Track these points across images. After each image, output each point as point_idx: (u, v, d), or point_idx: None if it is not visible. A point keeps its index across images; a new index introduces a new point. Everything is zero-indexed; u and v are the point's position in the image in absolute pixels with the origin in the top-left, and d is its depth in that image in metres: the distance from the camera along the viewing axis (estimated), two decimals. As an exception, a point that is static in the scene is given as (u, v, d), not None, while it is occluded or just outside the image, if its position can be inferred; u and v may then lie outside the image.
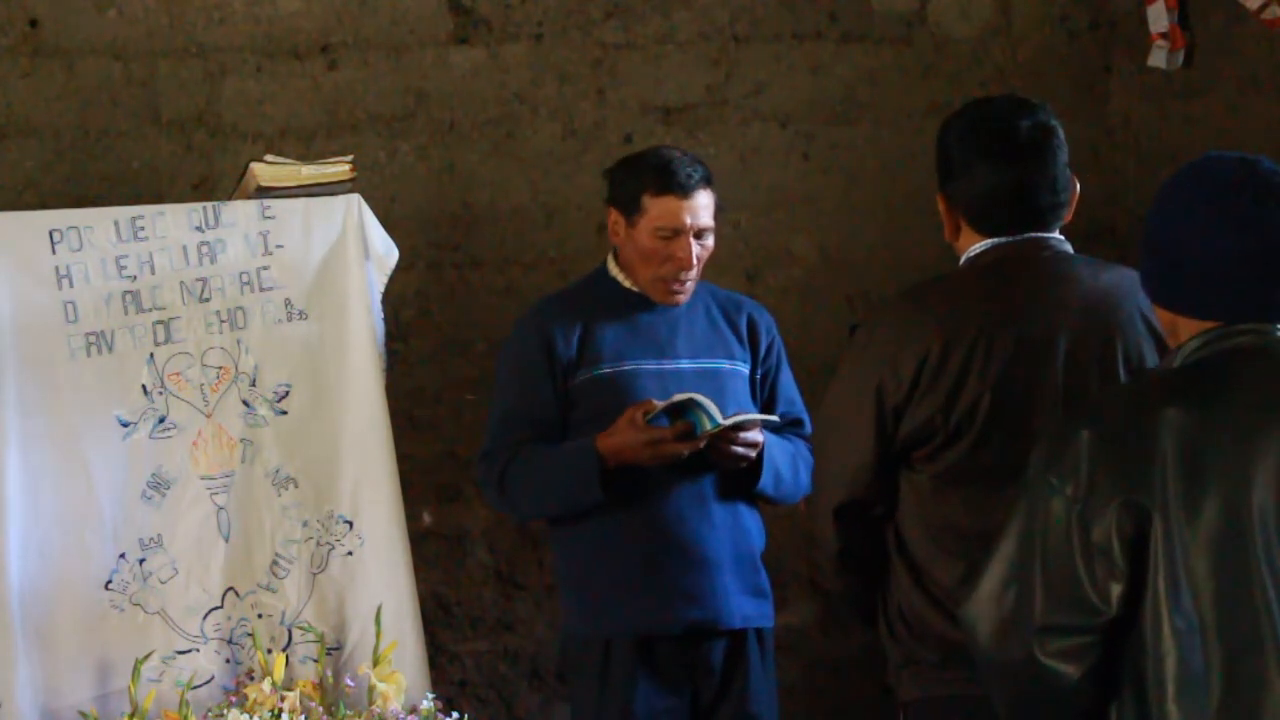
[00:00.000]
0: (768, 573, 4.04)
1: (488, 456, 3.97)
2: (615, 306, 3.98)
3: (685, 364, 3.95)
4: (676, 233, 3.89)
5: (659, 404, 3.78)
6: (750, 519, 4.00)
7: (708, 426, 3.77)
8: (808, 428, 4.08)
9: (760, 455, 3.88)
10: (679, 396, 3.77)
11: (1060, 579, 2.50)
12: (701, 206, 3.91)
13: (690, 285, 3.96)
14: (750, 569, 3.97)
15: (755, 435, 3.86)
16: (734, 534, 3.94)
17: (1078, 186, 3.25)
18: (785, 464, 3.96)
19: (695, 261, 3.91)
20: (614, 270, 4.02)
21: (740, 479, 3.93)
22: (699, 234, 3.91)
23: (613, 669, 3.89)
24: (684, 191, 3.89)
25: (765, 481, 3.92)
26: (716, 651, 3.93)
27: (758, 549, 4.02)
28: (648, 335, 3.96)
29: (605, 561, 3.90)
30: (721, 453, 3.83)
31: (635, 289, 3.98)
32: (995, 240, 3.20)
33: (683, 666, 3.91)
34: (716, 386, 3.92)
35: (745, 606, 3.94)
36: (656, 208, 3.89)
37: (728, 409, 3.85)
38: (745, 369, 4.02)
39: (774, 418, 3.96)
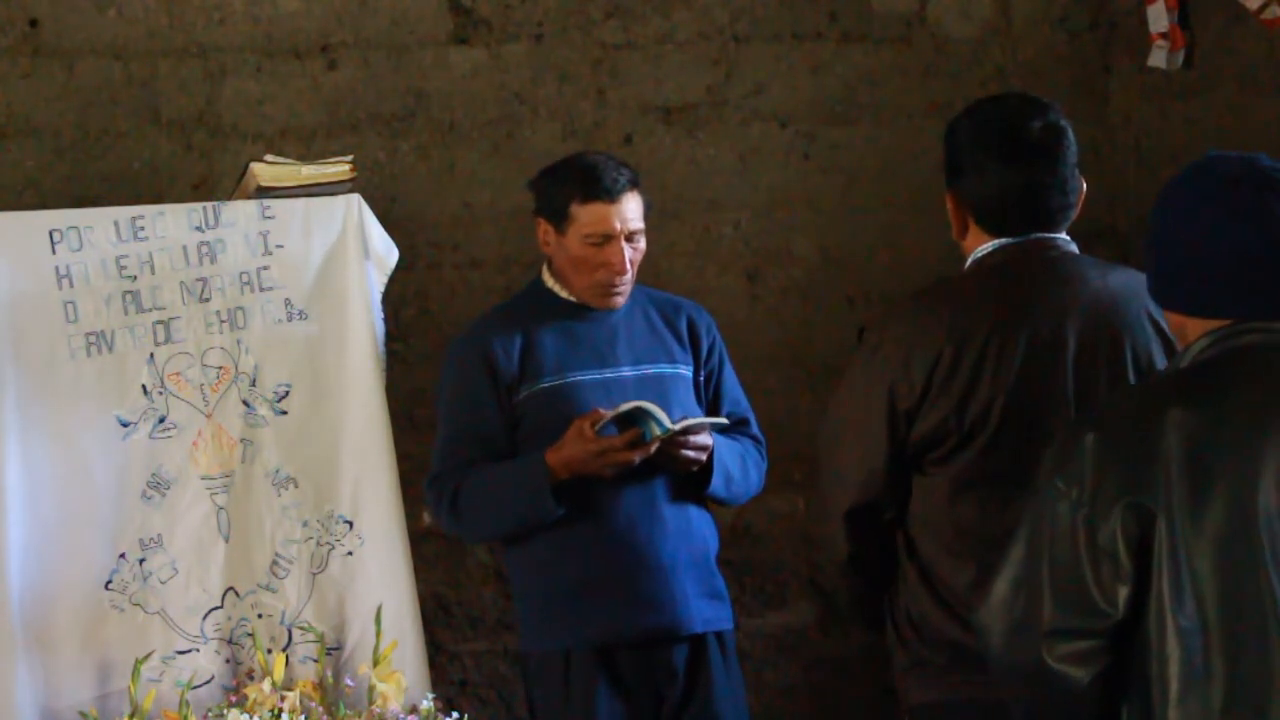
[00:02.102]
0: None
1: (437, 480, 3.93)
2: (553, 318, 3.95)
3: (627, 371, 3.93)
4: (607, 238, 3.86)
5: (607, 413, 3.76)
6: (702, 522, 3.97)
7: (656, 433, 3.76)
8: (754, 426, 4.07)
9: (710, 458, 3.87)
10: (626, 405, 3.75)
11: (1067, 583, 2.50)
12: (630, 210, 3.88)
13: (626, 288, 3.93)
14: (706, 572, 3.94)
15: (705, 439, 3.84)
16: (687, 538, 3.91)
17: (1084, 187, 3.25)
18: (735, 465, 3.95)
19: (629, 265, 3.89)
20: (549, 281, 3.99)
21: (691, 482, 3.91)
22: (630, 237, 3.89)
23: (574, 679, 3.84)
24: (611, 196, 3.86)
25: (716, 484, 3.90)
26: (678, 656, 3.89)
27: (712, 552, 3.98)
28: (588, 345, 3.93)
29: (559, 574, 3.87)
30: (673, 458, 3.82)
31: (572, 298, 3.96)
32: (1003, 241, 3.20)
33: (645, 672, 3.87)
34: (659, 392, 3.89)
35: (703, 610, 3.90)
36: (585, 215, 3.86)
37: (673, 413, 3.83)
38: (688, 372, 4.00)
39: (723, 420, 3.94)
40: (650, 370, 3.94)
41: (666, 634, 3.87)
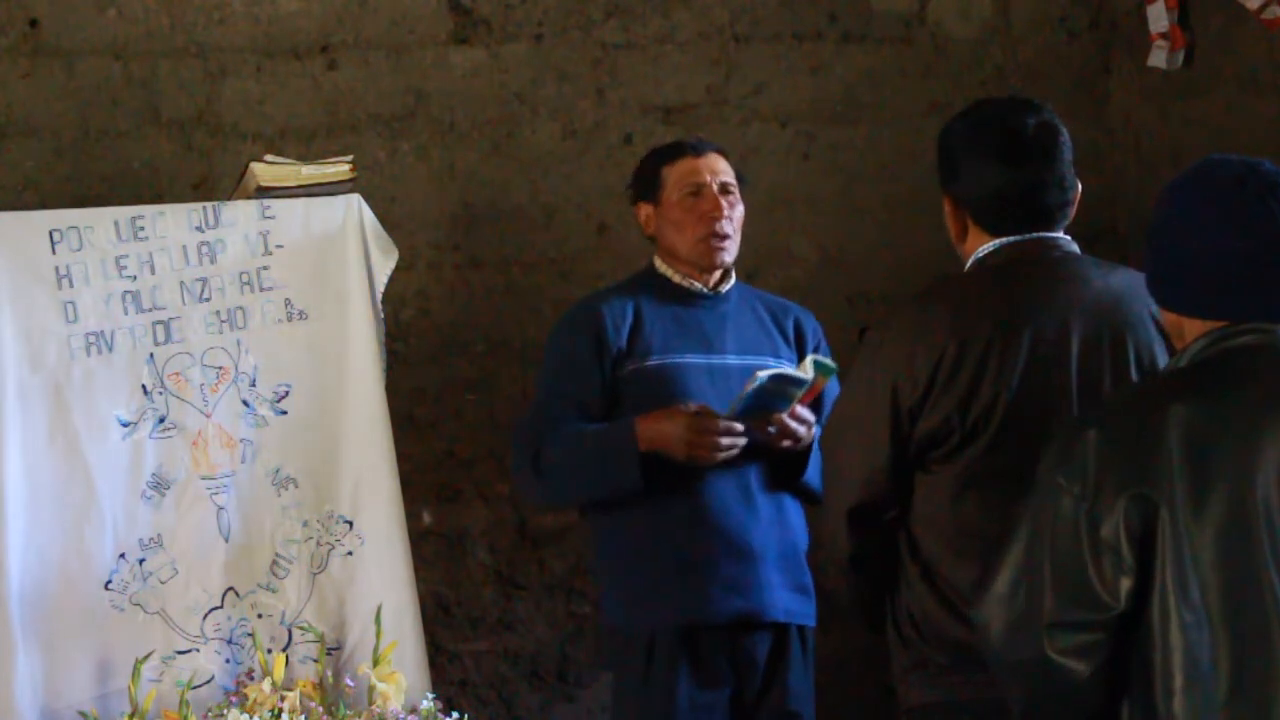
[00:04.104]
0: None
1: (524, 430, 3.97)
2: (665, 300, 4.02)
3: (732, 359, 3.97)
4: (700, 188, 3.98)
5: (719, 413, 3.78)
6: (794, 514, 4.00)
7: (797, 395, 3.73)
8: None
9: (809, 447, 3.88)
10: (763, 373, 3.72)
11: (1069, 576, 2.51)
12: (718, 165, 4.04)
13: (731, 244, 4.00)
14: (794, 565, 3.96)
15: (809, 414, 3.85)
16: (778, 528, 3.94)
17: (1080, 187, 3.26)
18: None
19: (726, 213, 3.97)
20: (661, 266, 4.07)
21: (785, 472, 3.92)
22: (724, 189, 4.00)
23: (656, 662, 3.88)
24: (697, 152, 4.04)
25: (811, 472, 3.90)
26: (760, 646, 3.92)
27: (801, 545, 4.00)
28: (696, 330, 3.99)
29: (649, 553, 3.89)
30: (785, 432, 3.81)
31: (684, 283, 4.02)
32: (1004, 240, 3.20)
33: (726, 660, 3.90)
34: None
35: (788, 601, 3.93)
36: (675, 172, 4.01)
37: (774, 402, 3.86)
38: (791, 370, 4.02)
39: (831, 364, 3.87)
40: (754, 360, 3.97)
41: (751, 620, 3.90)
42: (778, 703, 3.93)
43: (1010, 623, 2.59)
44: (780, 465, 3.92)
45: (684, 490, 3.87)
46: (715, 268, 4.03)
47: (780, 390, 3.78)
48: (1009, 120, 3.21)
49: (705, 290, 4.04)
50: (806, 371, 3.78)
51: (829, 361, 3.86)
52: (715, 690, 3.90)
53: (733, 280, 4.09)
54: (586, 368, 3.95)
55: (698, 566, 3.87)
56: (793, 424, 3.84)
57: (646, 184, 4.05)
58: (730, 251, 4.02)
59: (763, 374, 3.74)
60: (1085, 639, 2.52)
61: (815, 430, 3.88)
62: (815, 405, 3.92)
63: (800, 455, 3.91)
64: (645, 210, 4.06)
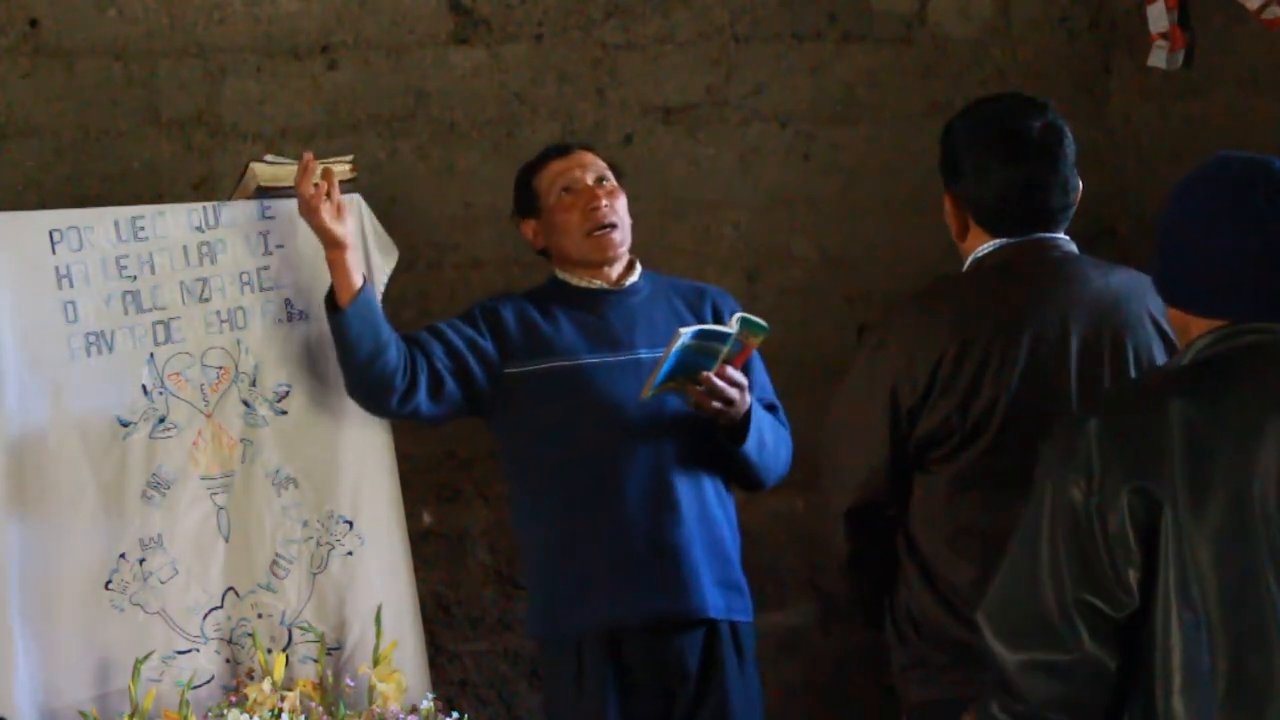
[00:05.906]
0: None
1: None
2: (570, 305, 3.99)
3: (644, 354, 3.92)
4: (573, 184, 3.98)
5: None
6: (719, 510, 3.94)
7: (722, 350, 3.70)
8: (781, 414, 4.05)
9: (748, 415, 3.83)
10: (686, 329, 3.67)
11: (1088, 570, 2.48)
12: (587, 158, 4.04)
13: (619, 233, 3.97)
14: (721, 561, 3.90)
15: (740, 377, 3.80)
16: (702, 524, 3.88)
17: (1081, 186, 3.26)
18: (769, 431, 3.91)
19: (605, 202, 3.95)
20: (560, 275, 4.05)
21: (724, 445, 3.86)
22: (598, 182, 3.99)
23: (586, 680, 3.84)
24: (561, 153, 4.06)
25: (750, 444, 3.85)
26: (691, 648, 3.86)
27: (729, 541, 3.94)
28: (603, 330, 3.95)
29: (570, 559, 3.86)
30: (715, 392, 3.75)
31: (585, 284, 4.00)
32: (1003, 241, 3.21)
33: (656, 670, 3.85)
34: None
35: (717, 598, 3.87)
36: (545, 179, 4.02)
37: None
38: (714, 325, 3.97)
39: (761, 322, 3.82)
40: None
41: (678, 619, 3.85)
42: (716, 708, 3.87)
43: (1025, 621, 2.55)
44: (713, 442, 3.86)
45: (602, 495, 3.84)
46: (609, 260, 3.99)
47: (706, 348, 3.72)
48: (1013, 120, 3.21)
49: (608, 287, 4.00)
50: (732, 326, 3.72)
51: (759, 320, 3.79)
52: (648, 705, 3.84)
53: (638, 273, 4.05)
54: (465, 333, 3.92)
55: (620, 567, 3.82)
56: (721, 383, 3.76)
57: (524, 200, 4.05)
58: (621, 240, 3.98)
59: (685, 330, 3.68)
60: (1106, 631, 2.50)
61: (749, 397, 3.83)
62: (745, 370, 3.86)
63: (737, 426, 3.84)
64: (530, 226, 4.05)
